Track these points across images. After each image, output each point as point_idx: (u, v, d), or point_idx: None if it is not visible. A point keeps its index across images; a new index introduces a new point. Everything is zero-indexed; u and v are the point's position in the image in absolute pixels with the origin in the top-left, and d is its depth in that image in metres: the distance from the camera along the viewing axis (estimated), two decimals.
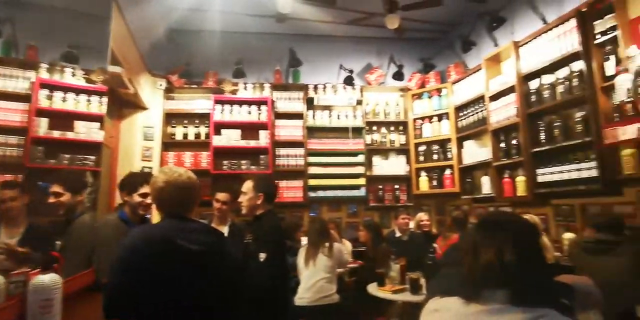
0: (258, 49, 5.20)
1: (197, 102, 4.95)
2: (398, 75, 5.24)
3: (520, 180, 3.70)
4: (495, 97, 4.09)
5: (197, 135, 4.90)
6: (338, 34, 5.40)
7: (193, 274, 1.31)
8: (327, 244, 3.00)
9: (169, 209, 1.44)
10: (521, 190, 3.69)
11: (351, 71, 5.14)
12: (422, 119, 5.20)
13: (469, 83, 4.64)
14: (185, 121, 4.94)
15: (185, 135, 4.90)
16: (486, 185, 4.29)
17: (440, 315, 0.93)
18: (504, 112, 3.95)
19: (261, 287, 1.91)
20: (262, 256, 2.01)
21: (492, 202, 4.18)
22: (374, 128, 5.26)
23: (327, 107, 5.24)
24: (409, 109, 5.31)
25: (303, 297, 2.83)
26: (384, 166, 5.19)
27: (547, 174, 3.45)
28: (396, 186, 5.18)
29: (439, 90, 5.13)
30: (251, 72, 5.12)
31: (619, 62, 2.82)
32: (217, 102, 4.88)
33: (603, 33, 2.98)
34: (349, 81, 5.11)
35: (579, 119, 3.19)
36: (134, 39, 3.89)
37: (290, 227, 3.71)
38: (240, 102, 4.96)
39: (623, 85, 2.66)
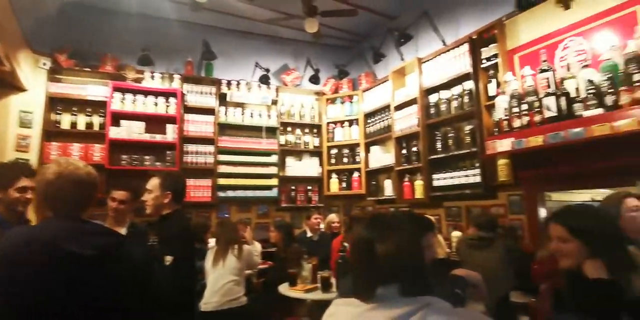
0: (169, 36, 4.83)
1: (91, 88, 4.36)
2: (314, 79, 5.37)
3: (419, 184, 4.09)
4: (399, 107, 4.46)
5: (90, 125, 4.33)
6: (255, 31, 5.31)
7: (80, 283, 1.13)
8: (236, 246, 2.91)
9: (59, 207, 1.23)
10: (419, 193, 4.09)
11: (267, 70, 5.10)
12: (335, 123, 5.41)
13: (377, 92, 4.98)
14: (75, 108, 4.32)
15: (73, 124, 4.28)
16: (389, 187, 4.64)
17: (335, 319, 0.94)
18: (406, 121, 4.33)
19: (166, 292, 1.76)
20: (168, 259, 1.86)
21: (393, 204, 4.53)
22: (289, 129, 5.30)
23: (241, 105, 5.11)
24: (323, 113, 5.47)
25: (209, 301, 2.70)
26: (297, 167, 5.25)
27: (441, 179, 3.88)
28: (309, 187, 5.29)
29: (350, 97, 5.39)
30: (160, 60, 4.72)
31: (499, 85, 3.32)
32: (116, 89, 4.38)
33: (488, 59, 3.47)
34: (264, 80, 5.06)
35: (467, 132, 3.66)
36: (13, 8, 3.28)
37: (198, 228, 3.51)
38: (146, 92, 4.54)
39: (501, 105, 3.13)
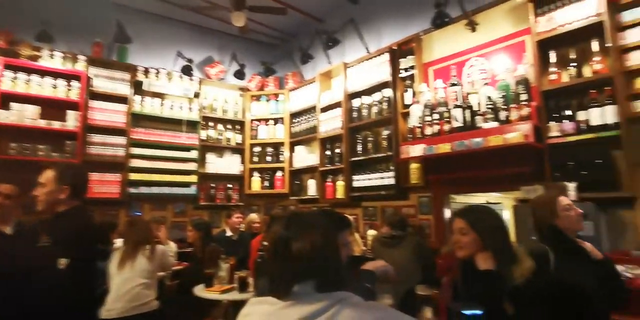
0: (76, 12, 4.29)
1: None
2: (239, 74, 5.23)
3: (340, 184, 4.24)
4: (325, 109, 4.57)
5: None
6: (178, 17, 5.00)
7: None
8: (148, 246, 2.70)
9: None
10: (340, 193, 4.23)
11: (190, 60, 4.83)
12: (259, 120, 5.34)
13: (304, 93, 5.04)
14: None
15: None
16: (312, 187, 4.73)
17: (250, 319, 0.93)
18: (331, 123, 4.45)
19: (60, 299, 1.56)
20: (63, 262, 1.65)
21: (316, 203, 4.62)
22: (210, 124, 5.08)
23: (160, 95, 4.76)
24: (247, 110, 5.36)
25: (112, 308, 2.45)
26: (217, 164, 5.06)
27: (360, 180, 4.07)
28: (229, 185, 5.13)
29: (276, 95, 5.37)
30: (62, 38, 4.18)
31: (414, 94, 3.60)
32: (7, 67, 3.77)
33: (406, 69, 3.75)
34: (187, 71, 4.79)
35: (385, 136, 3.89)
36: None
37: (103, 227, 3.17)
38: (43, 72, 3.97)
39: (415, 113, 3.40)
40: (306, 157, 4.88)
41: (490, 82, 3.06)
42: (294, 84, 5.29)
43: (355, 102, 4.26)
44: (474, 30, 3.29)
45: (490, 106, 2.90)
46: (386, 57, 3.89)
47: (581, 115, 2.58)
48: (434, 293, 1.56)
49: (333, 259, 0.94)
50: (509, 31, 3.10)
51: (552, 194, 1.91)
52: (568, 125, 2.62)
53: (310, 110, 4.86)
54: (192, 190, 4.78)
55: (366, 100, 4.15)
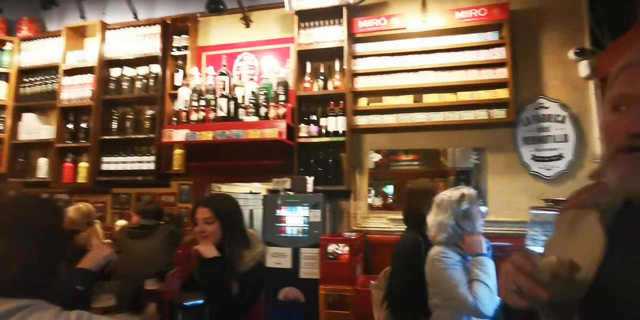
0: None
1: None
2: None
3: (83, 166, 3.54)
4: (71, 73, 3.70)
5: None
6: None
7: None
8: None
9: None
10: (82, 177, 3.54)
11: None
12: None
13: (43, 46, 3.92)
14: None
15: None
16: (43, 168, 3.76)
17: None
18: (78, 91, 3.65)
19: None
20: None
21: (47, 188, 3.70)
22: None
23: None
24: None
25: None
26: None
27: (112, 163, 3.52)
28: None
29: (2, 43, 3.96)
30: None
31: (185, 76, 3.40)
32: None
33: (178, 48, 3.48)
34: None
35: (148, 116, 3.52)
36: None
37: None
38: None
39: (183, 96, 3.22)
40: (38, 128, 3.84)
41: (256, 78, 3.23)
42: (29, 32, 4.04)
43: (115, 72, 3.65)
44: (248, 26, 3.39)
45: (253, 101, 3.06)
46: (157, 29, 3.49)
47: (323, 121, 3.08)
48: (161, 286, 1.50)
49: (20, 261, 0.80)
50: (278, 36, 3.35)
51: (433, 186, 2.07)
52: (313, 128, 3.08)
53: (50, 70, 3.83)
54: None
55: (129, 72, 3.61)
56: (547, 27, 2.90)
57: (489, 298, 1.47)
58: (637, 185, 0.55)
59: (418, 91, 3.00)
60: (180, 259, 1.64)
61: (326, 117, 3.06)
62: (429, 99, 2.96)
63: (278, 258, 2.82)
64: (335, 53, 3.06)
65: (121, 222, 3.50)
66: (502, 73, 2.81)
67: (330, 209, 3.09)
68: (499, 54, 2.82)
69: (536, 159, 2.85)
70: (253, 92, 3.06)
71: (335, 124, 3.02)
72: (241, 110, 3.07)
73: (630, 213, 0.59)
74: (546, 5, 2.91)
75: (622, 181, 0.56)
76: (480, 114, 2.85)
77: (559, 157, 2.81)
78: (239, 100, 3.09)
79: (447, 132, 3.00)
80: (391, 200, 3.15)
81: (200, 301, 1.40)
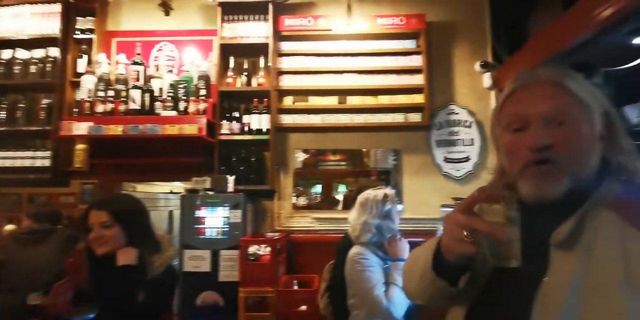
0: None
1: None
2: None
3: None
4: None
5: None
6: None
7: None
8: None
9: None
10: None
11: None
12: None
13: None
14: None
15: None
16: None
17: None
18: None
19: None
20: None
21: None
22: None
23: None
24: None
25: None
26: None
27: None
28: None
29: None
30: None
31: (90, 63, 3.05)
32: None
33: (82, 31, 3.11)
34: None
35: (44, 106, 3.09)
36: None
37: None
38: None
39: (87, 85, 2.88)
40: None
41: (175, 70, 3.02)
42: None
43: (5, 54, 3.14)
44: (167, 13, 3.16)
45: (171, 94, 2.85)
46: (57, 7, 3.08)
47: (246, 119, 2.98)
48: (44, 300, 1.31)
49: None
50: (201, 27, 3.18)
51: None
52: (235, 125, 2.96)
53: None
54: None
55: (23, 54, 3.14)
56: (458, 40, 3.16)
57: (402, 303, 1.52)
58: (546, 193, 0.64)
59: (342, 93, 3.06)
60: (70, 268, 1.45)
61: (249, 114, 2.97)
62: (353, 101, 3.04)
63: (197, 261, 2.67)
64: (260, 49, 2.99)
65: (9, 227, 3.03)
66: (418, 79, 2.99)
67: (253, 209, 3.00)
68: (416, 61, 3.00)
69: (447, 160, 3.07)
70: (172, 85, 2.86)
71: (259, 121, 2.94)
72: (158, 104, 2.84)
73: (522, 209, 0.68)
74: (458, 19, 3.17)
75: (534, 190, 0.65)
76: (398, 117, 3.00)
77: (466, 159, 3.07)
78: (156, 93, 2.86)
79: (369, 133, 3.10)
80: (319, 200, 3.16)
81: (91, 315, 1.23)
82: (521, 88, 0.70)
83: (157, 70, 3.02)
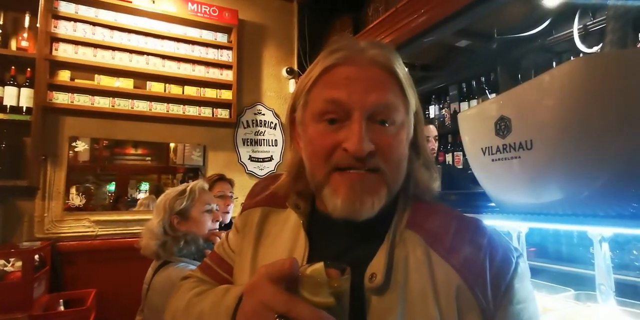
0: None
1: None
2: None
3: None
4: None
5: None
6: None
7: None
8: None
9: None
10: None
11: None
12: None
13: None
14: None
15: None
16: None
17: None
18: None
19: None
20: None
21: None
22: None
23: None
24: None
25: None
26: None
27: None
28: None
29: None
30: None
31: None
32: None
33: None
34: None
35: None
36: None
37: None
38: None
39: None
40: None
41: None
42: None
43: None
44: None
45: None
46: None
47: None
48: None
49: None
50: None
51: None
52: None
53: None
54: None
55: None
56: (269, 43, 3.27)
57: None
58: (363, 209, 0.50)
59: (141, 77, 2.68)
60: None
61: (2, 85, 2.24)
62: (154, 87, 2.71)
63: None
64: (25, 3, 2.29)
65: None
66: (228, 75, 2.93)
67: (2, 212, 2.27)
68: (227, 56, 2.93)
69: (252, 159, 3.12)
70: None
71: (17, 97, 2.24)
72: None
73: (316, 218, 0.60)
74: (269, 24, 3.28)
75: (348, 204, 0.50)
76: (205, 112, 2.85)
77: (270, 159, 3.20)
78: None
79: (171, 125, 2.83)
80: (112, 199, 2.66)
81: None
82: (342, 64, 0.53)
83: None
